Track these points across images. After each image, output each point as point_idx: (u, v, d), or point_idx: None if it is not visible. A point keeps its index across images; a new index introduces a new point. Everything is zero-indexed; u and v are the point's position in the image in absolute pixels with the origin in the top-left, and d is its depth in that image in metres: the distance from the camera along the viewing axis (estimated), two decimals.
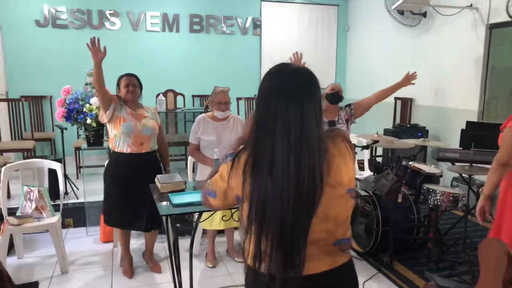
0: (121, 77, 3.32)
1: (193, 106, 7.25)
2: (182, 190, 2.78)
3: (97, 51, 2.99)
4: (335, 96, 3.75)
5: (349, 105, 3.82)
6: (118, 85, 3.31)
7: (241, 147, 1.38)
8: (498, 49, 4.99)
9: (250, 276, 1.42)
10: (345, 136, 1.41)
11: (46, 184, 3.66)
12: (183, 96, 6.94)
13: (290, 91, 1.27)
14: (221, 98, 3.43)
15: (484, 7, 5.01)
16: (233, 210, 2.74)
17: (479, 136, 3.87)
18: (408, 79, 3.80)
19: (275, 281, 1.28)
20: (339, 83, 3.89)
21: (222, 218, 3.29)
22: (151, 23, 7.08)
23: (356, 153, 1.41)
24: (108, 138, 4.39)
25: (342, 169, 1.34)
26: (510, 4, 4.59)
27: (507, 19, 4.66)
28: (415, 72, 3.84)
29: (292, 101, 1.26)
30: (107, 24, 6.87)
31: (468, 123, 4.29)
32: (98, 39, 3.00)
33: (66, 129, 4.92)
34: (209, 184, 1.47)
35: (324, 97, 3.76)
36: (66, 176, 4.67)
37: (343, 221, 1.38)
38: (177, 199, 2.58)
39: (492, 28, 4.96)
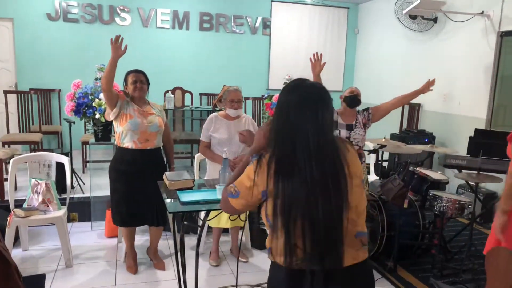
0: (128, 73, 3.32)
1: (201, 104, 7.27)
2: (190, 188, 2.79)
3: (118, 48, 3.03)
4: (354, 99, 3.67)
5: (367, 109, 3.75)
6: (125, 80, 3.31)
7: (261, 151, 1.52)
8: (508, 57, 4.97)
9: (279, 273, 1.46)
10: (344, 139, 1.59)
11: (53, 177, 3.68)
12: (191, 94, 6.96)
13: (308, 104, 1.42)
14: (234, 96, 3.45)
15: (496, 14, 5.00)
16: None
17: (487, 144, 3.86)
18: (428, 86, 3.77)
19: (313, 276, 1.38)
20: (356, 87, 3.83)
21: (229, 217, 3.29)
22: (161, 19, 7.11)
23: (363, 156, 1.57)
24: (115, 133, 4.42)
25: (354, 161, 1.49)
26: None
27: None
28: (434, 79, 3.81)
29: (310, 113, 1.41)
30: (117, 19, 6.90)
31: (476, 130, 4.26)
32: (122, 38, 3.06)
33: (74, 123, 4.95)
34: (232, 187, 1.53)
35: (343, 100, 3.73)
36: (72, 170, 4.69)
37: (361, 211, 1.49)
38: (185, 196, 2.57)
39: (503, 35, 4.94)
